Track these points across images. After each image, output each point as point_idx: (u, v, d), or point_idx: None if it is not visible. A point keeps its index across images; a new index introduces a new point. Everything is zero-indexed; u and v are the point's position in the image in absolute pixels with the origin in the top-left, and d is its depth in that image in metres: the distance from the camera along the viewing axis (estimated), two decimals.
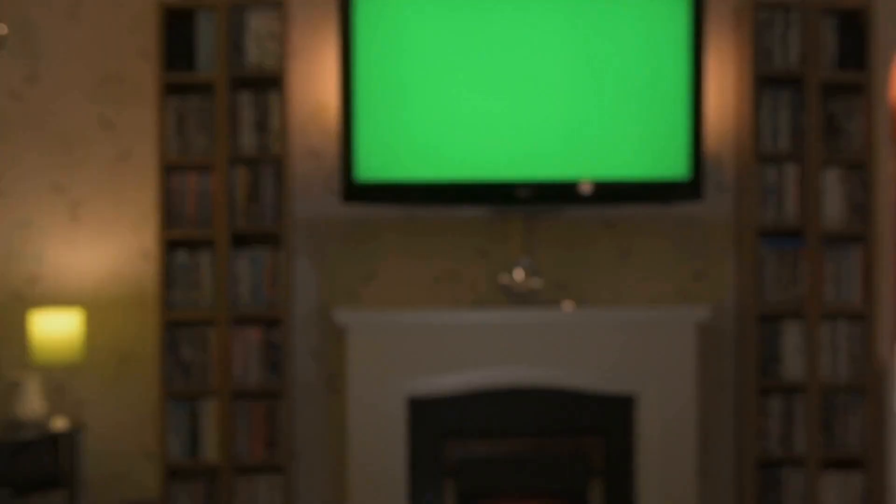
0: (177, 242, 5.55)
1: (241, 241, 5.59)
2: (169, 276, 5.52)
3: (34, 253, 5.69)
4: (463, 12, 5.49)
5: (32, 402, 5.45)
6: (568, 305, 5.57)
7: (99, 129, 5.70)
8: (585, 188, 5.48)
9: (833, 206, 5.60)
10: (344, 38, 5.44)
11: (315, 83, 5.67)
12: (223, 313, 5.50)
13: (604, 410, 5.58)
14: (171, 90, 5.55)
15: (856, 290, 5.60)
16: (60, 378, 5.68)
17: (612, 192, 5.53)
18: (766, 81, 5.60)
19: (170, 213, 5.51)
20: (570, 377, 5.52)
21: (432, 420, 5.56)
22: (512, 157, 5.51)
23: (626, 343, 5.51)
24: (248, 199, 5.54)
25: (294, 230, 5.66)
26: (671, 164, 5.51)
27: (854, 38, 5.58)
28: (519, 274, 5.56)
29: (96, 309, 5.67)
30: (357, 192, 5.48)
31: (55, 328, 5.39)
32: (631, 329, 5.51)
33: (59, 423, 5.47)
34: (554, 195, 5.55)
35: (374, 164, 5.48)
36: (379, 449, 5.45)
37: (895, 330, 5.68)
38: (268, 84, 5.56)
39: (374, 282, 5.70)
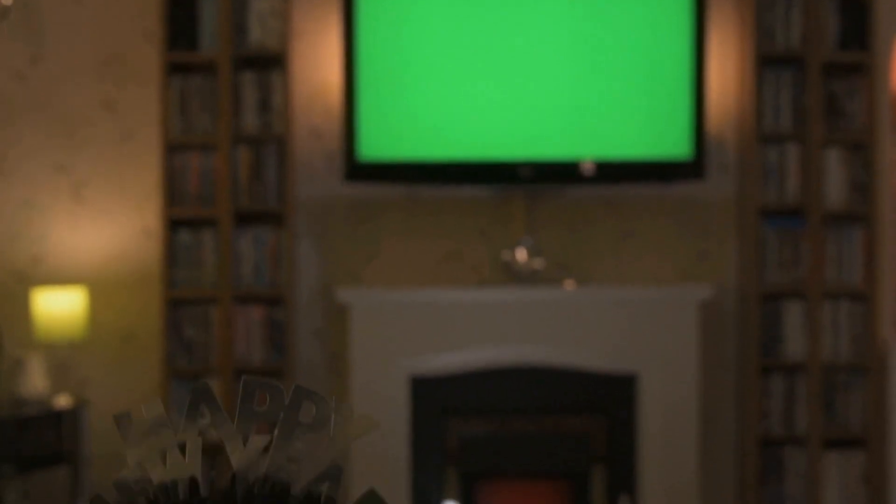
0: (180, 221, 5.57)
1: (243, 220, 5.60)
2: (172, 255, 5.54)
3: (38, 233, 5.70)
4: None
5: (36, 380, 5.46)
6: (570, 284, 5.58)
7: (102, 110, 5.72)
8: (588, 168, 5.49)
9: (834, 186, 5.61)
10: (347, 18, 5.45)
11: (318, 63, 5.69)
12: (226, 292, 5.52)
13: (606, 389, 5.59)
14: (174, 70, 5.56)
15: (857, 270, 5.60)
16: (64, 356, 5.70)
17: (614, 172, 5.54)
18: (768, 61, 5.60)
19: (173, 192, 5.52)
20: (572, 356, 5.53)
21: (434, 399, 5.57)
22: (514, 137, 5.52)
23: (629, 322, 5.52)
24: (250, 179, 5.56)
25: (296, 209, 5.67)
26: (673, 143, 5.52)
27: (855, 18, 5.59)
28: (521, 254, 5.57)
29: (99, 288, 5.68)
30: (359, 171, 5.49)
31: (59, 306, 5.41)
32: (633, 308, 5.52)
33: (63, 401, 5.48)
34: (556, 175, 5.56)
35: (376, 144, 5.49)
36: (382, 426, 5.46)
37: None
38: (270, 64, 5.58)
39: (377, 261, 5.71)
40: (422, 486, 5.52)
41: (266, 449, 0.78)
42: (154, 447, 0.79)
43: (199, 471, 0.78)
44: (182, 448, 0.79)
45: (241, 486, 0.76)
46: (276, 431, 0.77)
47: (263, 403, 0.79)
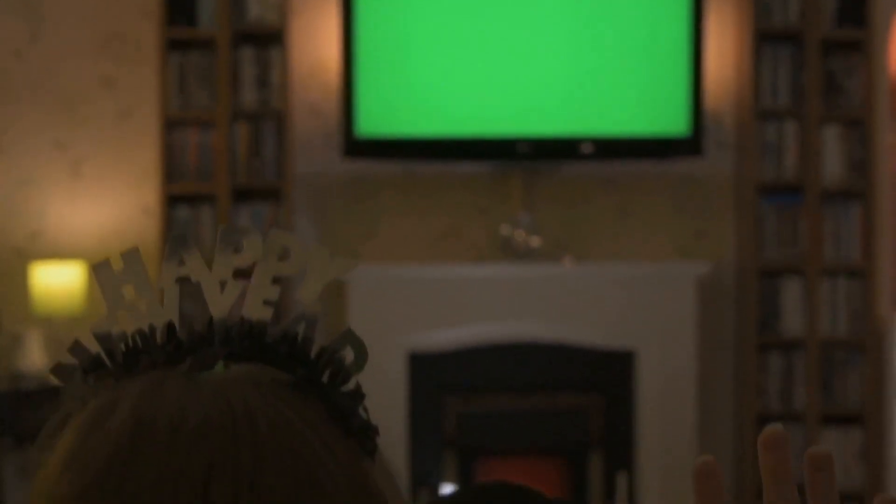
0: (178, 198, 5.57)
1: (241, 196, 5.61)
2: (170, 231, 5.54)
3: (36, 209, 5.71)
4: None
5: (34, 355, 5.48)
6: (568, 261, 5.59)
7: (101, 87, 5.72)
8: (586, 147, 5.50)
9: (832, 163, 5.61)
10: None
11: (316, 39, 5.69)
12: None
13: (604, 366, 5.60)
14: (173, 47, 5.57)
15: (855, 247, 5.61)
16: (62, 331, 5.70)
17: (611, 149, 5.55)
18: (766, 38, 5.61)
19: (171, 168, 5.53)
20: (570, 333, 5.53)
21: (432, 375, 5.57)
22: (512, 114, 5.53)
23: (627, 298, 5.52)
24: (248, 155, 5.57)
25: (295, 186, 5.68)
26: (671, 120, 5.52)
27: None
28: (519, 232, 5.58)
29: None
30: (358, 147, 5.50)
31: (57, 282, 5.42)
32: (631, 284, 5.53)
33: None
34: (554, 151, 5.57)
35: (374, 120, 5.49)
36: (379, 403, 5.46)
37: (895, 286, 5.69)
38: (269, 40, 5.58)
39: (375, 239, 5.72)
40: (419, 462, 5.53)
41: (243, 294, 0.78)
42: (132, 295, 0.80)
43: (176, 317, 0.78)
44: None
45: (218, 329, 0.77)
46: (252, 276, 0.78)
47: (240, 250, 0.79)
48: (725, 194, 5.77)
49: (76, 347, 0.80)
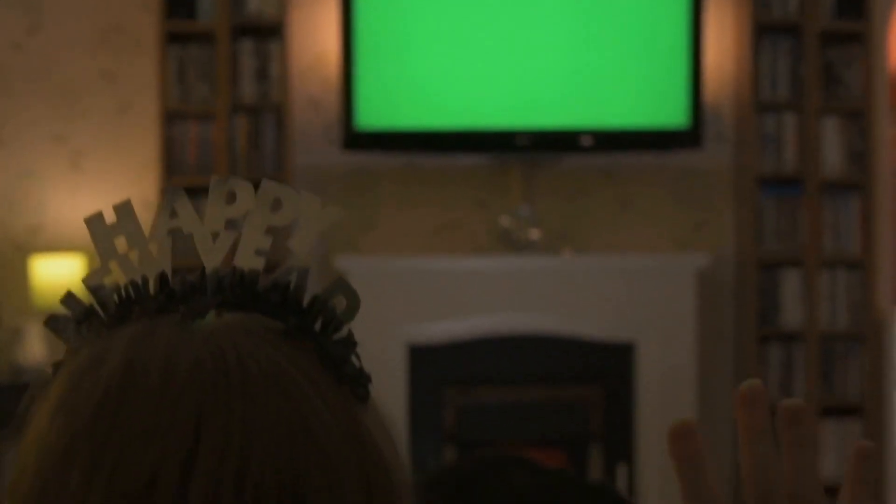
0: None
1: None
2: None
3: (36, 202, 5.71)
4: None
5: (34, 348, 5.48)
6: (567, 253, 5.59)
7: (100, 80, 5.73)
8: (586, 139, 5.50)
9: (832, 155, 5.61)
10: None
11: (316, 32, 5.69)
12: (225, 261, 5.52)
13: (603, 358, 5.60)
14: (173, 39, 5.57)
15: (854, 239, 5.61)
16: None
17: (611, 141, 5.55)
18: (765, 30, 5.61)
19: (171, 161, 5.53)
20: (569, 325, 5.53)
21: (432, 367, 5.58)
22: (511, 106, 5.53)
23: (626, 291, 5.52)
24: (248, 148, 5.57)
25: (294, 178, 5.68)
26: (670, 112, 5.53)
27: None
28: (518, 225, 5.58)
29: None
30: (357, 139, 5.50)
31: (57, 275, 5.42)
32: (631, 277, 5.53)
33: None
34: (553, 144, 5.57)
35: (374, 113, 5.50)
36: (379, 395, 5.47)
37: None
38: (269, 32, 5.58)
39: (374, 231, 5.72)
40: (419, 455, 5.53)
41: (236, 245, 0.79)
42: (124, 247, 0.80)
43: (169, 268, 0.79)
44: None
45: (210, 279, 0.77)
46: (244, 226, 0.78)
47: (233, 200, 0.80)
48: (725, 186, 5.78)
49: (69, 299, 0.80)
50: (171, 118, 5.54)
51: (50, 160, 5.72)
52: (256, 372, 0.71)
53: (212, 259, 0.79)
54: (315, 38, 5.70)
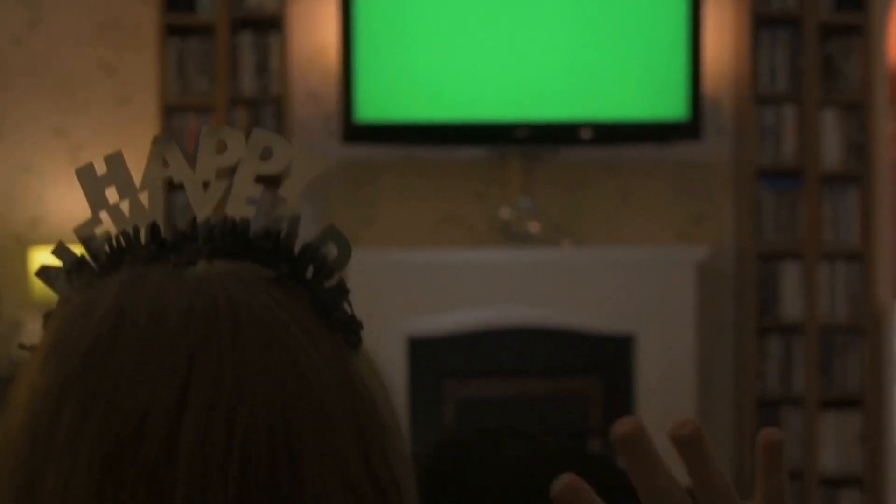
0: (178, 184, 5.57)
1: None
2: (170, 217, 5.55)
3: (36, 196, 5.72)
4: None
5: (34, 340, 5.47)
6: (567, 245, 5.59)
7: (100, 73, 5.73)
8: (585, 132, 5.50)
9: (831, 147, 5.61)
10: None
11: (315, 25, 5.70)
12: None
13: (603, 350, 5.60)
14: (172, 33, 5.57)
15: (854, 231, 5.61)
16: None
17: (610, 133, 5.55)
18: (765, 22, 5.61)
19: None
20: (569, 317, 5.54)
21: (432, 360, 5.58)
22: (511, 98, 5.53)
23: (626, 283, 5.53)
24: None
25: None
26: (670, 104, 5.53)
27: None
28: (518, 217, 5.58)
29: None
30: (357, 132, 5.50)
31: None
32: (630, 269, 5.53)
33: None
34: (552, 136, 5.57)
35: (373, 105, 5.50)
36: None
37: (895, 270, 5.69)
38: (268, 25, 5.59)
39: (374, 224, 5.72)
40: (419, 447, 5.53)
41: (227, 194, 0.79)
42: (115, 198, 0.80)
43: (160, 218, 0.79)
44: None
45: (202, 228, 0.77)
46: (235, 175, 0.79)
47: (224, 150, 0.80)
48: (724, 179, 5.78)
49: (60, 249, 0.81)
50: (170, 111, 5.55)
51: (50, 154, 5.73)
52: (247, 317, 0.71)
53: (203, 208, 0.79)
54: (314, 30, 5.70)
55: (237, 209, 0.78)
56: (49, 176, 5.71)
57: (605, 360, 5.60)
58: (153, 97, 5.66)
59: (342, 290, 0.77)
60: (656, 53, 5.51)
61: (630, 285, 5.52)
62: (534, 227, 5.58)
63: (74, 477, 0.68)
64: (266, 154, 0.79)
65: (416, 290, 5.50)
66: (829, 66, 5.61)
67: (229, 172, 0.80)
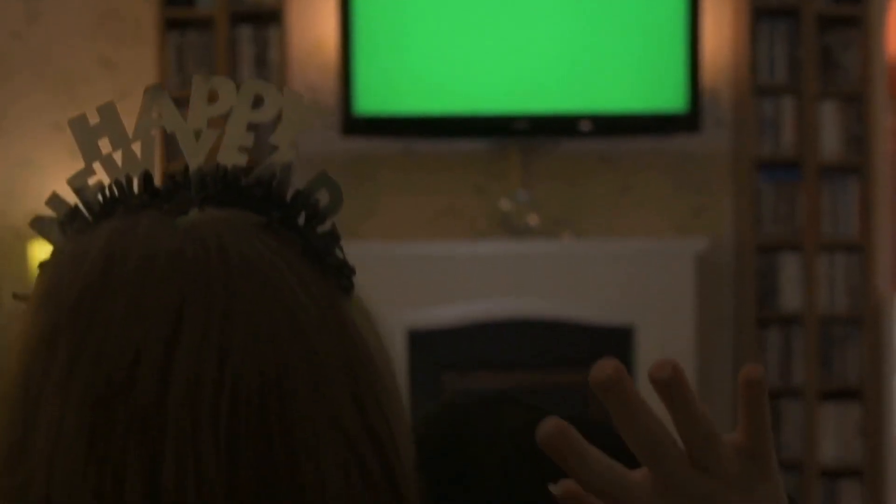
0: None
1: None
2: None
3: (36, 191, 5.72)
4: None
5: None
6: (566, 237, 5.60)
7: (100, 67, 5.74)
8: (584, 124, 5.50)
9: (830, 139, 5.62)
10: None
11: (314, 18, 5.70)
12: None
13: (602, 342, 5.60)
14: (171, 26, 5.58)
15: (853, 222, 5.61)
16: None
17: (609, 125, 5.55)
18: (763, 13, 5.61)
19: (171, 148, 5.54)
20: (568, 309, 5.54)
21: (431, 352, 5.58)
22: (510, 91, 5.53)
23: (625, 275, 5.53)
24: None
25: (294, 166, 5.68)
26: (669, 96, 5.53)
27: None
28: (517, 209, 5.58)
29: None
30: (356, 125, 5.51)
31: None
32: (630, 261, 5.53)
33: None
34: (552, 128, 5.57)
35: (373, 98, 5.50)
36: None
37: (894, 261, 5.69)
38: (267, 19, 5.59)
39: (374, 217, 5.73)
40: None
41: (219, 142, 0.79)
42: (109, 147, 0.81)
43: (153, 167, 0.79)
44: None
45: (194, 176, 0.77)
46: (226, 123, 0.79)
47: (215, 100, 0.80)
48: (723, 170, 5.78)
49: (54, 200, 0.81)
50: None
51: (49, 148, 5.73)
52: (238, 261, 0.71)
53: (195, 157, 0.79)
54: (313, 24, 5.70)
55: (229, 157, 0.78)
56: (49, 170, 5.71)
57: (605, 353, 5.60)
58: None
59: (334, 237, 0.77)
60: (655, 45, 5.52)
61: (629, 277, 5.52)
62: (533, 219, 5.59)
63: (67, 420, 0.68)
64: (256, 102, 0.79)
65: (416, 282, 5.50)
66: (828, 58, 5.62)
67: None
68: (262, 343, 0.69)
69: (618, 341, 5.59)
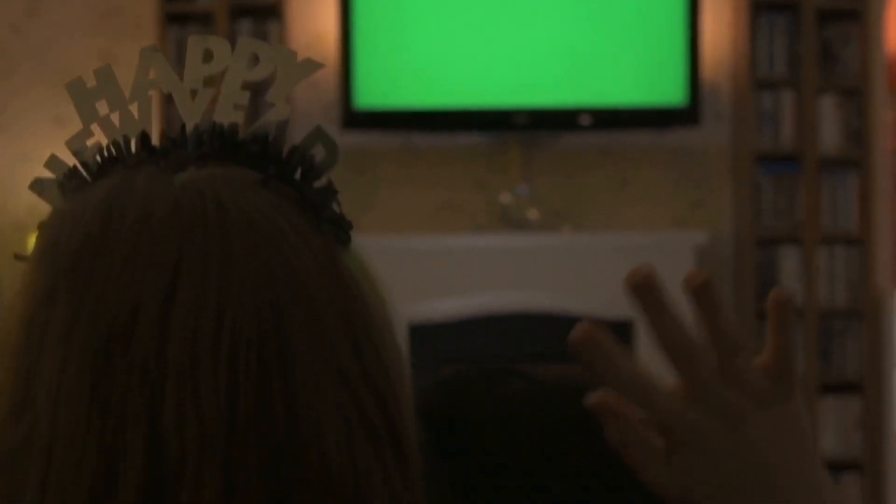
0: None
1: None
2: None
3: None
4: None
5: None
6: (567, 231, 5.61)
7: (99, 62, 5.74)
8: (584, 118, 5.51)
9: (829, 132, 5.62)
10: None
11: (314, 11, 5.71)
12: None
13: None
14: (171, 20, 5.58)
15: (852, 216, 5.62)
16: None
17: (609, 119, 5.56)
18: (762, 7, 5.62)
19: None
20: (568, 302, 5.54)
21: (432, 346, 5.59)
22: (510, 84, 5.54)
23: (625, 268, 5.48)
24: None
25: None
26: (668, 90, 5.54)
27: None
28: (517, 203, 5.59)
29: None
30: (356, 119, 5.51)
31: None
32: (629, 254, 5.54)
33: None
34: (551, 122, 5.58)
35: (373, 92, 5.51)
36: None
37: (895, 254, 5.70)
38: (267, 13, 5.60)
39: (374, 211, 5.73)
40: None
41: (215, 101, 0.80)
42: (105, 109, 0.81)
43: (150, 127, 0.80)
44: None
45: (191, 135, 0.78)
46: (222, 82, 0.80)
47: (210, 59, 0.81)
48: (723, 164, 5.79)
49: (53, 161, 0.82)
50: (171, 100, 5.53)
51: (50, 143, 5.74)
52: (235, 213, 0.72)
53: (191, 116, 0.80)
54: (313, 18, 5.71)
55: (225, 115, 0.79)
56: None
57: None
58: None
59: (331, 191, 0.78)
60: (655, 39, 5.52)
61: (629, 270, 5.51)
62: (533, 213, 5.60)
63: (69, 370, 0.69)
64: (252, 61, 0.80)
65: (416, 276, 5.51)
66: (828, 52, 5.62)
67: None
68: (260, 292, 0.70)
69: (618, 335, 5.57)
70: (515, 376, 1.28)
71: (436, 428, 1.23)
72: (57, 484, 0.68)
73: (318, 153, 0.79)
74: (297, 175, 0.77)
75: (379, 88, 5.51)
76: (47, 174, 0.81)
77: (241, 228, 0.71)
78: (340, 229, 0.77)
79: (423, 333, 5.56)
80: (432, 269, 5.50)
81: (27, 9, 5.73)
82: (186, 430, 0.67)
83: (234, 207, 0.72)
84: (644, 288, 0.73)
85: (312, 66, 0.79)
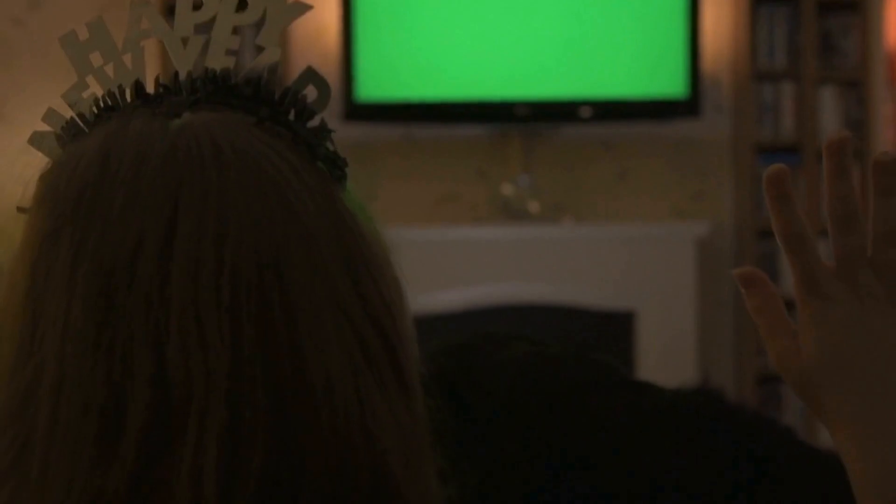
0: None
1: None
2: None
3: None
4: None
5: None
6: (567, 222, 5.61)
7: None
8: (585, 110, 5.52)
9: (829, 124, 5.63)
10: None
11: (315, 3, 5.69)
12: None
13: (603, 327, 5.61)
14: (173, 13, 5.57)
15: None
16: None
17: (610, 111, 5.57)
18: None
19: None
20: (569, 294, 5.55)
21: (433, 338, 5.58)
22: (511, 76, 5.55)
23: (626, 259, 5.54)
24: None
25: None
26: (669, 82, 5.54)
27: None
28: (518, 194, 5.60)
29: None
30: (357, 111, 5.52)
31: None
32: (630, 245, 5.55)
33: None
34: (552, 114, 5.59)
35: (374, 84, 5.52)
36: None
37: None
38: None
39: (375, 202, 5.74)
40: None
41: (206, 48, 0.81)
42: (99, 61, 0.83)
43: (143, 76, 0.81)
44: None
45: (184, 81, 0.79)
46: (213, 28, 0.81)
47: (199, 7, 0.82)
48: (723, 155, 5.80)
49: (50, 115, 0.83)
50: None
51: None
52: (230, 153, 0.74)
53: (184, 63, 0.81)
54: (314, 10, 5.70)
55: (217, 61, 0.80)
56: None
57: (606, 337, 5.62)
58: (154, 78, 5.67)
59: (324, 130, 0.79)
60: (655, 31, 5.53)
61: (630, 262, 5.54)
62: (534, 205, 5.60)
63: (73, 310, 0.71)
64: (240, 6, 0.81)
65: (417, 268, 5.51)
66: (828, 43, 5.63)
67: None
68: (258, 227, 0.71)
69: (619, 326, 5.61)
70: (518, 339, 1.29)
71: (443, 392, 1.24)
72: (66, 422, 0.69)
73: (311, 94, 0.80)
74: (291, 116, 0.78)
75: (380, 80, 5.52)
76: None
77: (237, 167, 0.73)
78: (335, 167, 0.78)
79: (424, 325, 5.55)
80: (433, 261, 5.51)
81: (29, 1, 5.74)
82: (191, 363, 0.68)
83: (230, 148, 0.74)
84: (776, 180, 0.84)
85: (301, 7, 0.80)
